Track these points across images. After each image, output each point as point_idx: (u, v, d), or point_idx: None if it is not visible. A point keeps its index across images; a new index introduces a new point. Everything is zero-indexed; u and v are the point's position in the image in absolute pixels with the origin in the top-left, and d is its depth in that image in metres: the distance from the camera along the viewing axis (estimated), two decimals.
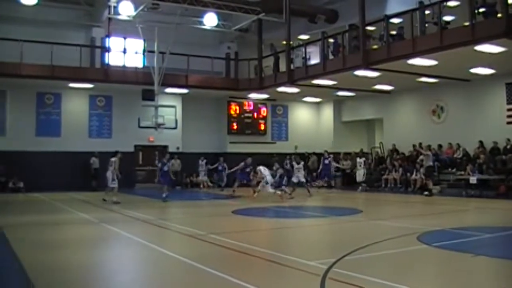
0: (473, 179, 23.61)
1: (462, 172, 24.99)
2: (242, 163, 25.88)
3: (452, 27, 22.12)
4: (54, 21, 30.36)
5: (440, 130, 28.73)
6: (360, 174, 28.96)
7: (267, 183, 22.79)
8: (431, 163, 25.13)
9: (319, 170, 30.19)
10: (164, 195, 22.77)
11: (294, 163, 25.96)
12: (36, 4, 26.49)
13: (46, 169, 28.85)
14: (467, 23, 20.22)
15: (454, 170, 26.43)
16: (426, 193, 24.07)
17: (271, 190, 22.69)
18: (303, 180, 25.58)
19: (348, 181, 31.29)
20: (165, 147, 32.96)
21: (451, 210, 19.03)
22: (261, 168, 23.36)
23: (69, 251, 10.66)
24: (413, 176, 27.33)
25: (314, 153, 34.50)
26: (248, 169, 25.80)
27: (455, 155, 27.25)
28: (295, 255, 9.48)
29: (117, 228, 13.85)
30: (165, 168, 23.73)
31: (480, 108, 27.03)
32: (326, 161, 29.46)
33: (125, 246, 11.68)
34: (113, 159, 22.16)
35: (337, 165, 31.65)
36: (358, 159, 28.90)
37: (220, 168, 30.19)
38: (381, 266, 8.86)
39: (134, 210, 18.45)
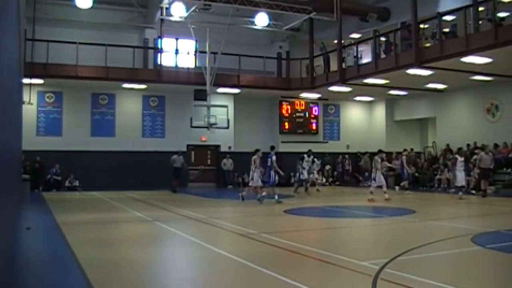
0: None
1: None
2: None
3: (507, 23, 21.74)
4: (108, 23, 31.04)
5: (495, 129, 28.21)
6: (460, 177, 23.38)
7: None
8: (489, 165, 24.30)
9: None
10: (276, 197, 21.35)
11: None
12: (91, 8, 27.04)
13: (101, 168, 29.46)
14: None
15: (509, 170, 25.92)
16: (474, 191, 23.46)
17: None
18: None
19: (400, 182, 30.91)
20: (217, 146, 33.27)
21: (506, 211, 18.65)
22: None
23: (125, 248, 10.89)
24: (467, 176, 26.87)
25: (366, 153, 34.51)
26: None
27: (510, 155, 26.70)
28: (347, 255, 9.47)
29: (171, 227, 14.03)
30: (268, 163, 22.10)
31: None
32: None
33: (178, 244, 11.85)
34: (254, 156, 22.04)
35: (389, 165, 31.34)
36: (459, 158, 23.55)
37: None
38: (433, 267, 8.78)
39: (187, 209, 18.65)
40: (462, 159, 23.41)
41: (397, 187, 26.25)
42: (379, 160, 22.48)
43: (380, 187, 22.09)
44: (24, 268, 9.06)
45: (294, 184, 28.93)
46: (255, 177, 21.63)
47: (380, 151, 23.25)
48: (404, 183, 26.57)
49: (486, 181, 23.93)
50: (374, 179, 22.26)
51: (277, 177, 22.36)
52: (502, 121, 28.14)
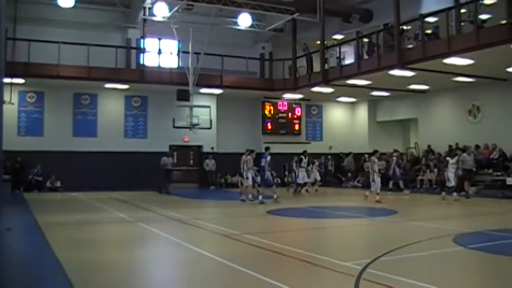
0: (510, 180, 23.23)
1: (499, 173, 24.64)
2: None
3: (488, 25, 21.89)
4: (90, 23, 30.85)
5: (476, 130, 28.39)
6: (452, 178, 22.79)
7: None
8: (472, 167, 24.30)
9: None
10: (260, 197, 21.29)
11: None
12: (73, 7, 26.85)
13: (83, 169, 29.32)
14: (504, 21, 19.97)
15: (490, 170, 26.07)
16: (455, 193, 23.33)
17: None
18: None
19: (384, 182, 30.95)
20: (200, 147, 33.19)
21: (487, 212, 18.78)
22: None
23: (108, 250, 10.82)
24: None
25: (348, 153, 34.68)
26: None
27: (491, 156, 26.89)
28: (330, 256, 9.48)
29: (153, 228, 13.98)
30: (262, 163, 22.05)
31: None
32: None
33: (161, 245, 11.81)
34: (248, 157, 21.97)
35: None
36: (450, 160, 23.12)
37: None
38: (416, 268, 8.82)
39: (169, 210, 18.60)
40: (454, 160, 23.02)
41: (406, 190, 26.01)
42: (376, 160, 22.34)
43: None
44: (4, 270, 8.98)
45: (290, 185, 28.83)
46: (249, 177, 21.67)
47: (375, 151, 23.11)
48: (401, 183, 26.55)
49: (469, 182, 23.99)
50: (374, 180, 22.05)
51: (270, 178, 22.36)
52: (483, 122, 28.33)
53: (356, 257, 9.35)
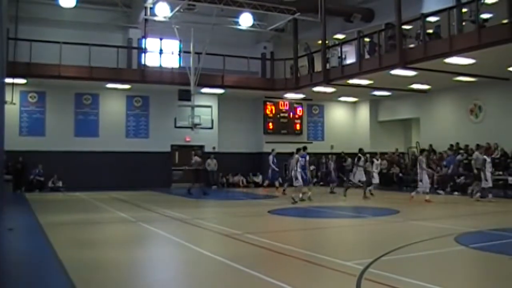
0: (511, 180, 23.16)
1: (501, 173, 24.59)
2: None
3: (490, 25, 21.87)
4: (92, 23, 30.81)
5: (478, 129, 28.30)
6: (489, 177, 21.66)
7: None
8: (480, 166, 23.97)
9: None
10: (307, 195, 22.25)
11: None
12: (74, 7, 26.83)
13: (84, 168, 29.35)
14: (505, 21, 19.94)
15: (492, 170, 25.97)
16: (457, 192, 22.81)
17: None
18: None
19: (385, 182, 30.97)
20: (201, 147, 33.14)
21: (489, 211, 18.75)
22: None
23: (109, 249, 10.83)
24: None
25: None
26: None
27: (493, 155, 26.79)
28: (331, 255, 9.48)
29: (155, 227, 13.99)
30: (302, 162, 22.14)
31: None
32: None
33: (163, 245, 11.82)
34: (296, 155, 22.01)
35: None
36: (487, 159, 21.93)
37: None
38: (417, 267, 8.82)
39: (171, 210, 18.59)
40: (490, 159, 22.19)
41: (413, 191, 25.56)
42: (424, 160, 22.02)
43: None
44: (6, 270, 8.98)
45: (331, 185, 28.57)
46: (298, 177, 21.63)
47: (423, 150, 22.84)
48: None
49: (480, 182, 23.51)
50: (421, 181, 21.74)
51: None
52: (485, 122, 28.27)
53: (358, 257, 9.36)
